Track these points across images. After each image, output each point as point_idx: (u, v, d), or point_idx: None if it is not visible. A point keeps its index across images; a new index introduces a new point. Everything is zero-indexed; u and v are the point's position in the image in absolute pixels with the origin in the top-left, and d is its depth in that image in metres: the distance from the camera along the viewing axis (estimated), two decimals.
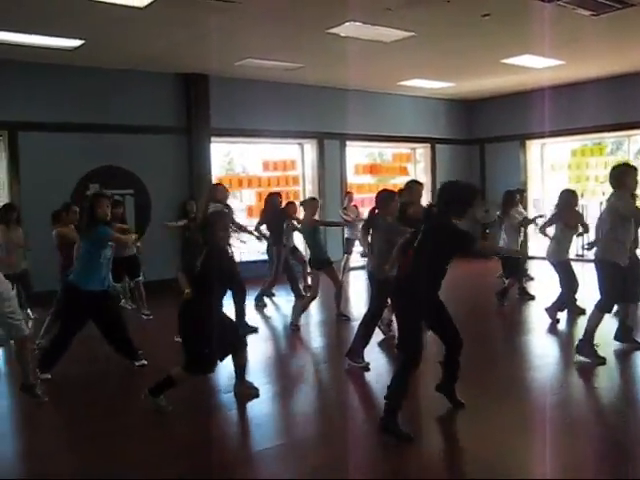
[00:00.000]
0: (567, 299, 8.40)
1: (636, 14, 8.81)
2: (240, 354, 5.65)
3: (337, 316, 8.92)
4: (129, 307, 9.90)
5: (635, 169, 6.56)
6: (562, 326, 8.37)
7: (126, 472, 4.33)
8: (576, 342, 6.62)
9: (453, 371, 5.13)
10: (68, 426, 5.38)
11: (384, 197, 6.65)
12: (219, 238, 5.33)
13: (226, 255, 5.73)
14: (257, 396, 5.69)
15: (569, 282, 8.29)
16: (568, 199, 8.37)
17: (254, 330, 8.36)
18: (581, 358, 6.46)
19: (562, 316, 8.56)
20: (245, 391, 5.73)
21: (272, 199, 10.31)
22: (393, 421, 4.65)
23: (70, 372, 6.54)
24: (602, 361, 6.38)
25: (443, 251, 4.71)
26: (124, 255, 8.66)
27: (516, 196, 10.12)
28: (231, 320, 5.91)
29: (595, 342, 6.47)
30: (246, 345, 5.77)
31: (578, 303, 8.51)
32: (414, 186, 7.51)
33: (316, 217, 8.90)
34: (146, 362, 6.68)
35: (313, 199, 9.31)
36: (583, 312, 8.38)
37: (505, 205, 9.89)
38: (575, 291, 8.37)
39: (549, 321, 8.40)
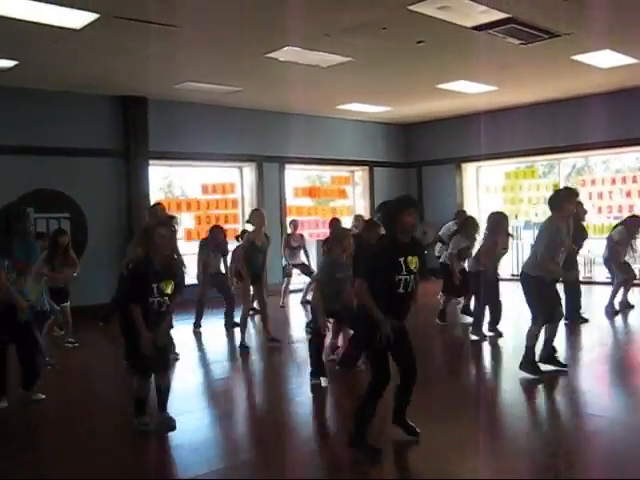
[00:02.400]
0: (476, 315, 8.73)
1: (562, 44, 9.21)
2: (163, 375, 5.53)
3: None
4: (57, 333, 9.50)
5: (576, 194, 6.78)
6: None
7: None
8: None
9: (405, 399, 4.96)
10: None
11: (340, 234, 6.76)
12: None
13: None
14: (172, 429, 5.45)
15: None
16: (499, 222, 8.58)
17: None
18: (525, 374, 6.62)
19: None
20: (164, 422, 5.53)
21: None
22: (361, 438, 4.69)
23: None
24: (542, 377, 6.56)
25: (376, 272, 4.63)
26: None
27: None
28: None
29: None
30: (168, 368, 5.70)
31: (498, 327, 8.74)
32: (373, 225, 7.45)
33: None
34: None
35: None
36: (500, 336, 8.66)
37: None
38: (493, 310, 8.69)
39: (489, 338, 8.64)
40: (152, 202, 12.26)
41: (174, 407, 5.64)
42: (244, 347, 8.44)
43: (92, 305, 10.19)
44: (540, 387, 6.48)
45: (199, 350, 9.17)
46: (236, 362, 8.31)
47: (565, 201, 6.51)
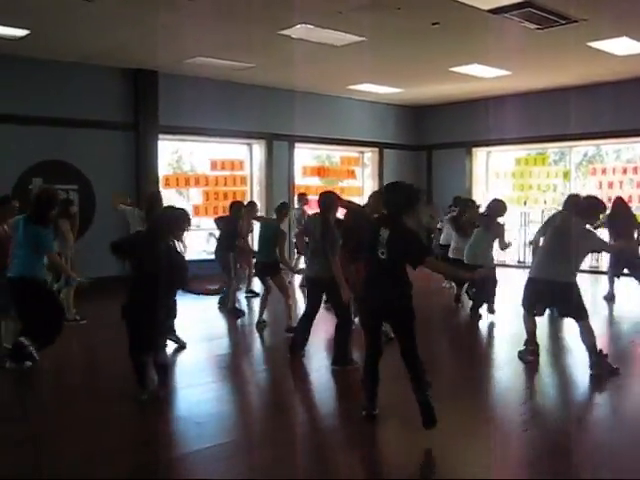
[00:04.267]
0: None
1: (578, 30, 9.10)
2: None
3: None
4: None
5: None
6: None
7: (64, 472, 4.25)
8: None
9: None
10: None
11: (330, 200, 6.63)
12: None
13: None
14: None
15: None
16: (498, 209, 8.74)
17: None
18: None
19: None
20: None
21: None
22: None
23: None
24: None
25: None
26: None
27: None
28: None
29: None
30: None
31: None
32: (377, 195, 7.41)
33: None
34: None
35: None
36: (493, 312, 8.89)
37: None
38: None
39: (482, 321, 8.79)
40: (161, 177, 12.35)
41: (178, 381, 5.69)
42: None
43: (99, 278, 10.18)
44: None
45: (207, 325, 9.20)
46: (242, 339, 8.37)
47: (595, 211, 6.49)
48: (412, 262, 4.68)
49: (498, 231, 8.74)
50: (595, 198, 6.72)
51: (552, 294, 6.28)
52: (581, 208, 6.38)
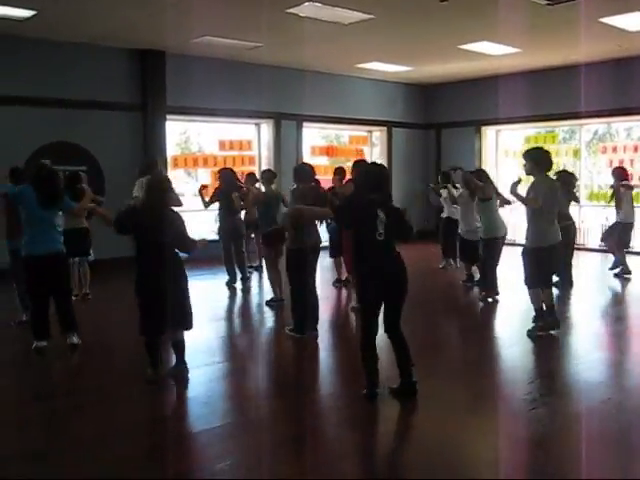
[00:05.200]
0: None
1: (590, 5, 8.96)
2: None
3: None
4: None
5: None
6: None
7: (72, 451, 4.29)
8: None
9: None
10: (14, 407, 5.30)
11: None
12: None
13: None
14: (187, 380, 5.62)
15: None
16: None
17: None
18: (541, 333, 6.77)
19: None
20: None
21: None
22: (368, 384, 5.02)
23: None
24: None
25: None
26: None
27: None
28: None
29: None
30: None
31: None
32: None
33: None
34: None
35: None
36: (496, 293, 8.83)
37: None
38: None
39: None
40: (169, 158, 12.34)
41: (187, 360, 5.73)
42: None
43: (109, 258, 10.24)
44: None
45: (218, 304, 9.25)
46: (251, 319, 8.39)
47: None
48: (403, 240, 5.20)
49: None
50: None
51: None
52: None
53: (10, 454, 4.25)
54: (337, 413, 5.03)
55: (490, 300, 8.70)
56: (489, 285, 8.78)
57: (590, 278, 11.00)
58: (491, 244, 8.56)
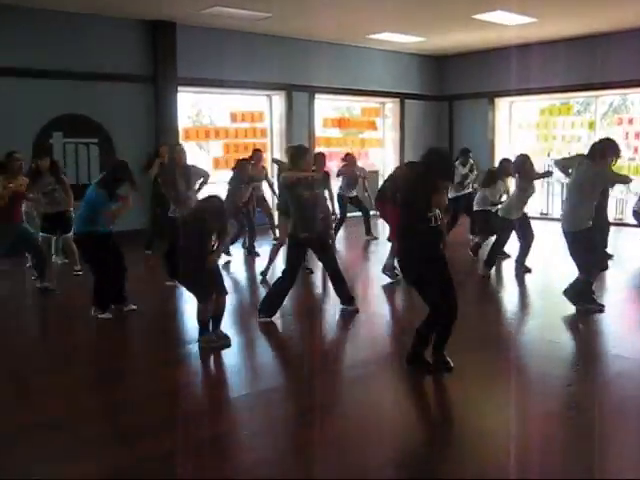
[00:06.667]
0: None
1: None
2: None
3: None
4: (59, 262, 9.57)
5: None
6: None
7: (92, 422, 4.34)
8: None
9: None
10: (28, 376, 5.34)
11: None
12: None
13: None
14: (228, 346, 5.75)
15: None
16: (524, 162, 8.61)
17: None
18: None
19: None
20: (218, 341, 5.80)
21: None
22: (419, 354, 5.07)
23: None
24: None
25: None
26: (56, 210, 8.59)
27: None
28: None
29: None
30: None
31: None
32: None
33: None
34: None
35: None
36: (529, 271, 8.68)
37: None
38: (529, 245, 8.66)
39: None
40: (180, 130, 12.29)
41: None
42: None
43: (120, 231, 10.23)
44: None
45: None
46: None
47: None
48: None
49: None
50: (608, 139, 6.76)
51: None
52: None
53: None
54: (367, 380, 5.05)
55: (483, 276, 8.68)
56: (489, 261, 8.75)
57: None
58: (506, 224, 8.55)
